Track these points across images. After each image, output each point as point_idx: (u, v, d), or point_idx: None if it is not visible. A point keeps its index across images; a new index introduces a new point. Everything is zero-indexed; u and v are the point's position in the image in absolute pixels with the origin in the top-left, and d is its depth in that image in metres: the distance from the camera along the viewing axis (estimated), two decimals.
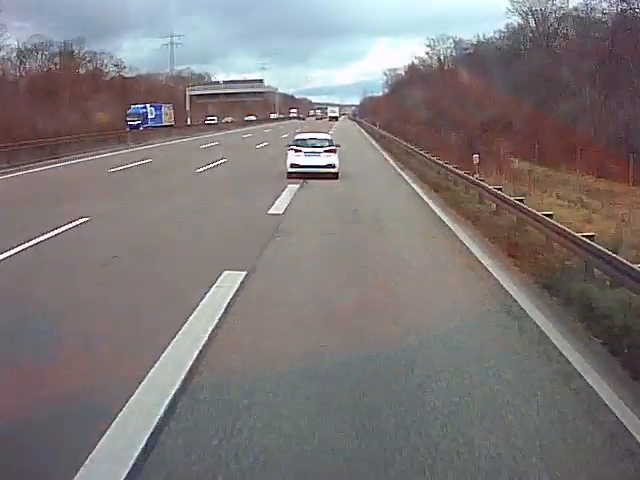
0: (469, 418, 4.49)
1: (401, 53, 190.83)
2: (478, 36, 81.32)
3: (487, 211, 13.24)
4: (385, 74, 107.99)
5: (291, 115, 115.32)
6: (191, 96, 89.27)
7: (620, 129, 38.04)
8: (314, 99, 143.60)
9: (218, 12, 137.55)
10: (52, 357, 5.42)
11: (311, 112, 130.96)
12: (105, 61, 76.57)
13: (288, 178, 18.73)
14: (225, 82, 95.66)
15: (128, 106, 58.83)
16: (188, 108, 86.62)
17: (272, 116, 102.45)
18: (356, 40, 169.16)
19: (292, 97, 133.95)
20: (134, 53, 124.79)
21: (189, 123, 79.36)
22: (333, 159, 19.60)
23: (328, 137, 21.35)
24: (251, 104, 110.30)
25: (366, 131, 63.98)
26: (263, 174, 21.08)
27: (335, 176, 19.14)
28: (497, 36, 72.05)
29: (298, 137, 20.98)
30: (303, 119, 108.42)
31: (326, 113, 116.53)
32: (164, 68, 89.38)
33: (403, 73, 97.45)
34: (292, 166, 19.37)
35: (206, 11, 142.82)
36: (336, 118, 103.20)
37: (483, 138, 33.90)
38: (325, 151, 19.78)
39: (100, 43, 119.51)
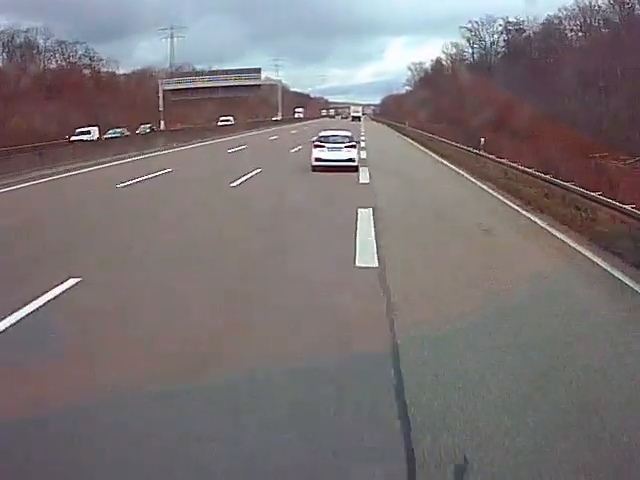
0: None
1: (419, 52, 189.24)
2: (527, 18, 67.42)
3: None
4: (410, 69, 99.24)
5: (296, 116, 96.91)
6: (166, 92, 65.87)
7: None
8: (331, 98, 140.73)
9: (233, 12, 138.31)
10: None
11: (323, 112, 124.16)
12: (80, 53, 61.44)
13: (313, 171, 20.39)
14: (210, 72, 71.31)
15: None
16: (162, 108, 63.96)
17: (221, 121, 65.63)
18: (373, 39, 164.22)
19: (307, 96, 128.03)
20: (146, 53, 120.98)
21: (162, 128, 59.04)
22: (353, 154, 21.47)
23: (349, 134, 22.85)
24: (253, 101, 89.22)
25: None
26: None
27: (355, 169, 20.73)
28: (562, 14, 56.15)
29: (321, 134, 22.59)
30: (332, 117, 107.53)
31: (347, 113, 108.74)
32: (164, 65, 76.07)
33: (429, 67, 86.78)
34: (316, 160, 21.36)
35: (221, 11, 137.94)
36: (359, 118, 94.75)
37: None
38: (346, 146, 21.66)
39: (108, 44, 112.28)
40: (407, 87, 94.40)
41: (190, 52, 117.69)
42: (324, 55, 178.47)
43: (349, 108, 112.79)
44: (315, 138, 22.55)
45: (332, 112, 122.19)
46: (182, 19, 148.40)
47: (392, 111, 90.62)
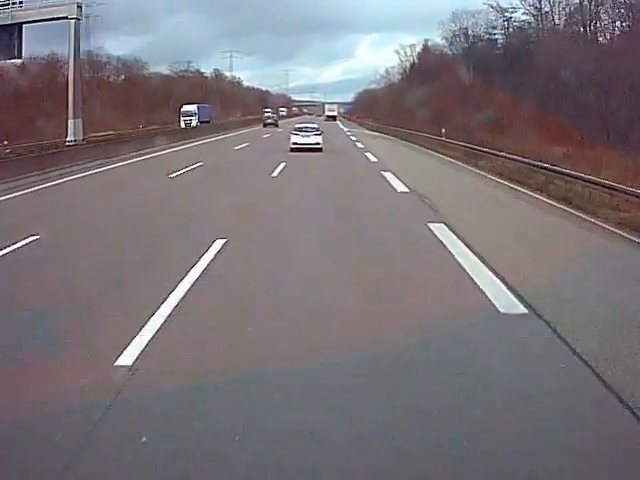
0: None
1: (389, 50, 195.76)
2: None
3: None
4: (397, 52, 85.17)
5: (183, 125, 62.25)
6: None
7: None
8: (295, 97, 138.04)
9: (198, 10, 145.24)
10: None
11: (267, 112, 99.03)
12: None
13: (291, 152, 31.67)
14: None
15: None
16: None
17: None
18: (343, 37, 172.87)
19: (267, 91, 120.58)
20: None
21: None
22: (319, 139, 32.48)
23: (316, 125, 35.33)
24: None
25: None
26: None
27: (320, 150, 31.71)
28: None
29: (297, 126, 34.56)
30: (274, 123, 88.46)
31: (322, 111, 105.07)
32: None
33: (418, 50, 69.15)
34: (294, 144, 32.21)
35: (187, 9, 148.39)
36: (334, 117, 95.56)
37: None
38: (314, 134, 32.77)
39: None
40: (387, 80, 79.53)
41: (156, 51, 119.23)
42: (292, 53, 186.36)
43: (323, 106, 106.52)
44: (292, 128, 34.56)
45: (284, 112, 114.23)
46: (149, 20, 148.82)
47: (384, 110, 70.49)
